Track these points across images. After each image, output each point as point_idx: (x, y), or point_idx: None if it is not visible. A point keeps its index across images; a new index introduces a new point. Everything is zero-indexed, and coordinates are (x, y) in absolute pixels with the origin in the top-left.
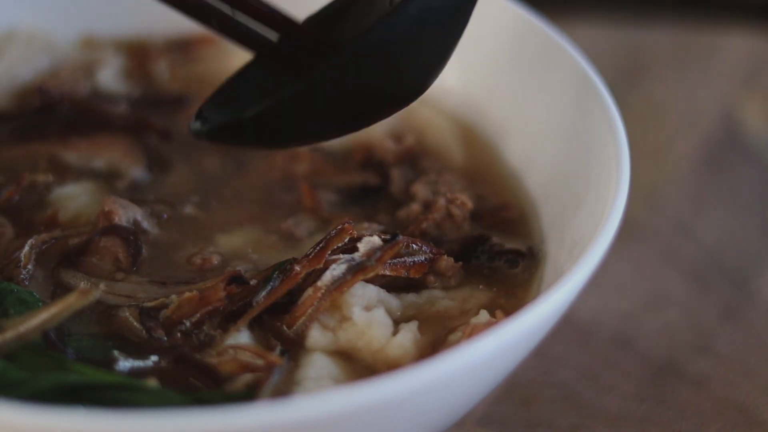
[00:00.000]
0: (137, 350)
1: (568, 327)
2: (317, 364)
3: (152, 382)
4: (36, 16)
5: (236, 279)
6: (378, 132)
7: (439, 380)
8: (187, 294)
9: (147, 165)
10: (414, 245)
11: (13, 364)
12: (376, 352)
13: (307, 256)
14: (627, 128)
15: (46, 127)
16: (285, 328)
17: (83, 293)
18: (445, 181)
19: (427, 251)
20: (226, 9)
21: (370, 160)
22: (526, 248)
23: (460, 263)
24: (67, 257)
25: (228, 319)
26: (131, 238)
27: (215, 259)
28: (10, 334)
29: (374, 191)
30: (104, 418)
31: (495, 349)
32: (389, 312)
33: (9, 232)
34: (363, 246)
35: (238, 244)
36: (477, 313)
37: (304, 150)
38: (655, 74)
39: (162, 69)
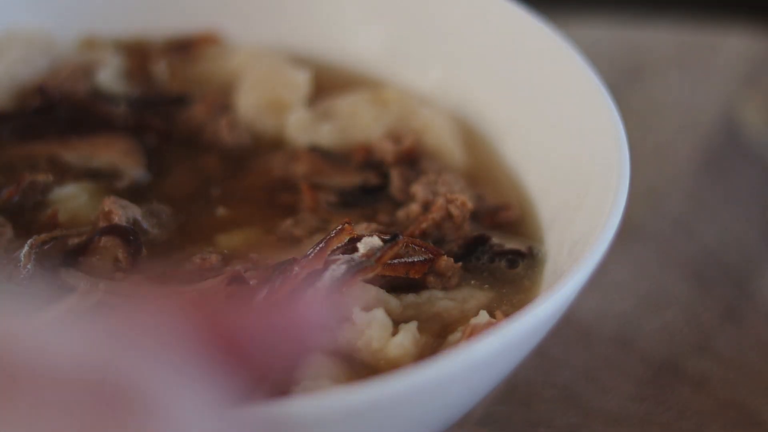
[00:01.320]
0: None
1: (568, 327)
2: (316, 364)
3: None
4: (36, 16)
5: (236, 279)
6: (377, 132)
7: (439, 380)
8: (187, 294)
9: (147, 165)
10: (414, 245)
11: None
12: (376, 352)
13: (306, 256)
14: (627, 128)
15: (46, 127)
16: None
17: (83, 293)
18: (444, 182)
19: (427, 251)
20: None
21: (369, 160)
22: (526, 248)
23: (460, 263)
24: (67, 257)
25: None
26: (131, 237)
27: (215, 259)
28: None
29: (374, 191)
30: None
31: (495, 349)
32: (389, 312)
33: (9, 232)
34: (363, 246)
35: (238, 244)
36: (477, 314)
37: (303, 150)
38: (655, 74)
39: (162, 69)
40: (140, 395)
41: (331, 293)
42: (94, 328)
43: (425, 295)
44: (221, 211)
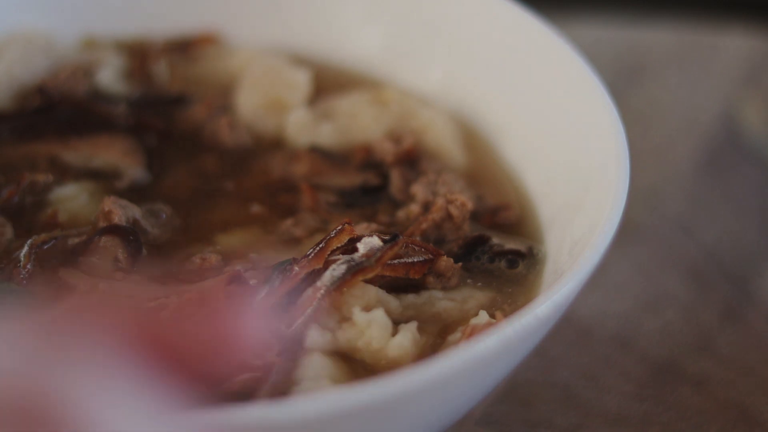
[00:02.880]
0: None
1: (568, 327)
2: (316, 365)
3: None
4: (36, 16)
5: (236, 279)
6: (377, 133)
7: (439, 380)
8: (187, 294)
9: (147, 165)
10: (413, 246)
11: None
12: (376, 352)
13: (306, 256)
14: (627, 128)
15: (46, 127)
16: (284, 328)
17: (83, 293)
18: (444, 182)
19: (427, 252)
20: None
21: (369, 160)
22: (526, 248)
23: (460, 264)
24: (67, 257)
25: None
26: (131, 237)
27: (215, 259)
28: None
29: (374, 192)
30: None
31: (495, 349)
32: (389, 312)
33: (9, 232)
34: (363, 246)
35: (238, 244)
36: (477, 314)
37: (303, 150)
38: (655, 74)
39: (162, 69)
40: (66, 405)
41: (265, 310)
42: (15, 334)
43: (425, 295)
44: (221, 211)
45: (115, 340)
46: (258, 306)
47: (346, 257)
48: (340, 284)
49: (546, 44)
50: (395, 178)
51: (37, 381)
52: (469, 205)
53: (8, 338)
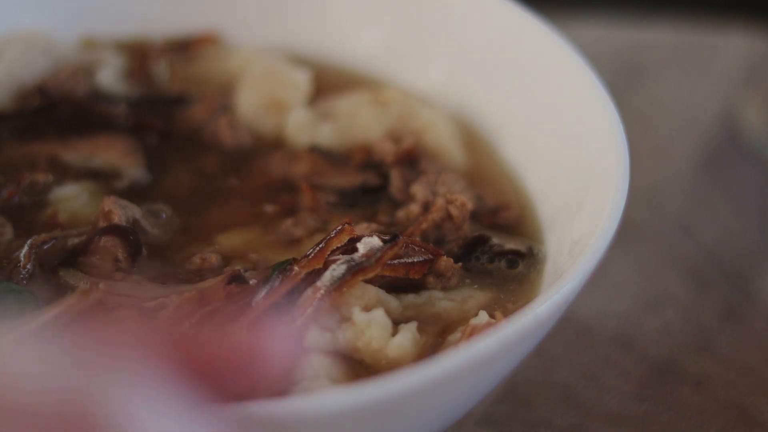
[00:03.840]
0: None
1: (568, 327)
2: (316, 365)
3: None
4: (36, 16)
5: (236, 279)
6: (377, 133)
7: (439, 380)
8: (187, 294)
9: (147, 165)
10: (413, 246)
11: None
12: (376, 352)
13: (306, 256)
14: (627, 128)
15: (46, 127)
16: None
17: (83, 293)
18: (444, 182)
19: (427, 252)
20: None
21: (369, 160)
22: (526, 248)
23: (460, 264)
24: (67, 257)
25: (227, 320)
26: (131, 237)
27: (215, 259)
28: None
29: (374, 192)
30: None
31: (495, 349)
32: (388, 312)
33: (9, 232)
34: (363, 246)
35: (238, 244)
36: (476, 314)
37: (303, 150)
38: (655, 74)
39: (162, 69)
40: (107, 416)
41: (293, 325)
42: (58, 349)
43: (425, 295)
44: (221, 211)
45: (145, 354)
46: (286, 327)
47: (346, 257)
48: (340, 284)
49: (546, 44)
50: (395, 178)
51: (75, 393)
52: (469, 205)
53: (45, 352)
